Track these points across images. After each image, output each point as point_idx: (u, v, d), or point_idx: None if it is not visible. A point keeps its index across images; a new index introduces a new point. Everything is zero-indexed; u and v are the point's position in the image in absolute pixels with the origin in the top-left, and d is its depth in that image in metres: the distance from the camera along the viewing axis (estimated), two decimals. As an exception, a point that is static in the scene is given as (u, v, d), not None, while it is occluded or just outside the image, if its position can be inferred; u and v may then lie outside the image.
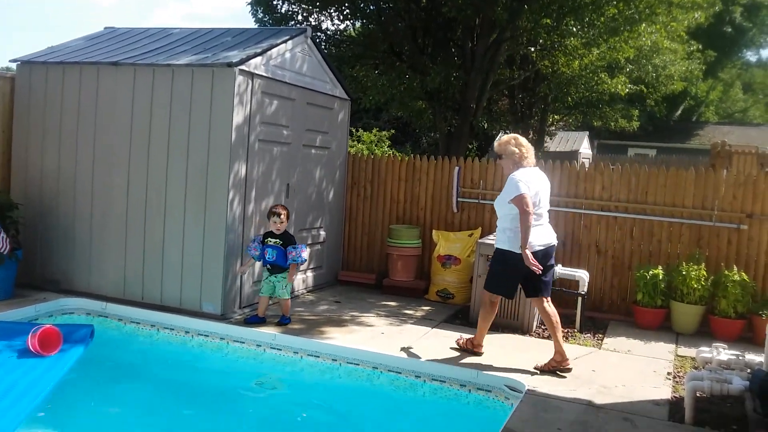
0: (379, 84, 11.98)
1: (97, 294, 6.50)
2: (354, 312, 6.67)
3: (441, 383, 4.96)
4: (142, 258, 6.45)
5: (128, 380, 5.30)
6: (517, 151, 5.27)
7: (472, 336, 5.65)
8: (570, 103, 18.02)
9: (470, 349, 5.58)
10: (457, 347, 5.66)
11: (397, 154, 14.68)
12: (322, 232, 7.75)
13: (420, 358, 5.37)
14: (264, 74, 6.39)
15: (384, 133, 15.73)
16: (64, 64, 6.63)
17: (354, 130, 15.44)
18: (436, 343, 5.82)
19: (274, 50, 6.53)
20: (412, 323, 6.41)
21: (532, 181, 5.20)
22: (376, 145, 15.42)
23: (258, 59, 6.28)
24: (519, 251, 5.09)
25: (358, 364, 5.22)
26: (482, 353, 5.54)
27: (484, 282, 5.54)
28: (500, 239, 5.33)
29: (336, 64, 10.35)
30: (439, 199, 8.00)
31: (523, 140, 5.37)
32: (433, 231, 7.73)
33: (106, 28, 7.75)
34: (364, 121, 18.71)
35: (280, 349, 5.50)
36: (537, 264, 5.04)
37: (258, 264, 6.50)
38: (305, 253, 6.18)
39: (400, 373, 5.09)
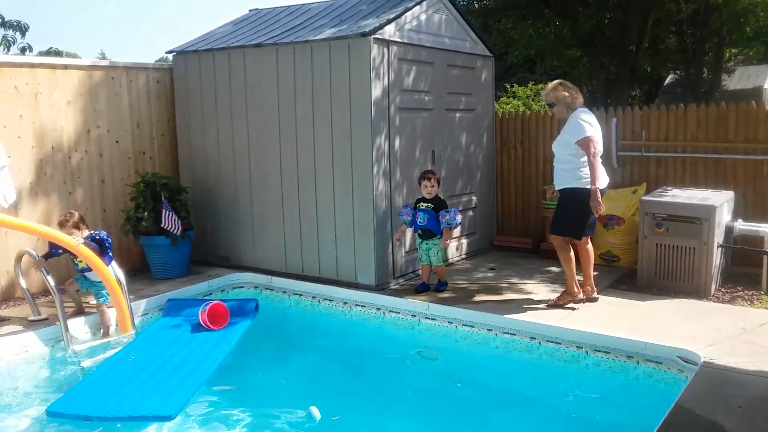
0: (527, 35, 11.38)
1: (263, 268, 6.82)
2: (511, 279, 6.44)
3: (605, 355, 4.64)
4: (299, 232, 6.65)
5: (294, 349, 5.53)
6: (567, 94, 5.40)
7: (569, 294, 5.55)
8: (749, 33, 16.05)
9: (568, 301, 5.51)
10: (556, 305, 5.52)
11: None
12: (474, 198, 7.53)
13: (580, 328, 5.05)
14: (400, 40, 6.24)
15: (540, 86, 15.03)
16: (213, 50, 6.92)
17: (509, 86, 14.92)
18: (599, 310, 5.45)
19: (408, 14, 6.34)
20: (572, 289, 6.06)
21: (593, 122, 5.35)
22: (532, 100, 14.81)
23: (392, 26, 6.14)
24: (589, 188, 5.20)
25: (514, 335, 5.04)
26: (581, 297, 5.53)
27: (553, 226, 5.57)
28: (565, 179, 5.41)
29: (480, 19, 9.96)
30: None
31: (568, 83, 5.51)
32: (594, 190, 7.22)
33: (250, 10, 7.99)
34: (519, 76, 17.99)
35: (435, 319, 5.45)
36: (601, 203, 5.19)
37: (410, 236, 6.47)
38: (459, 217, 6.03)
39: (559, 344, 4.83)
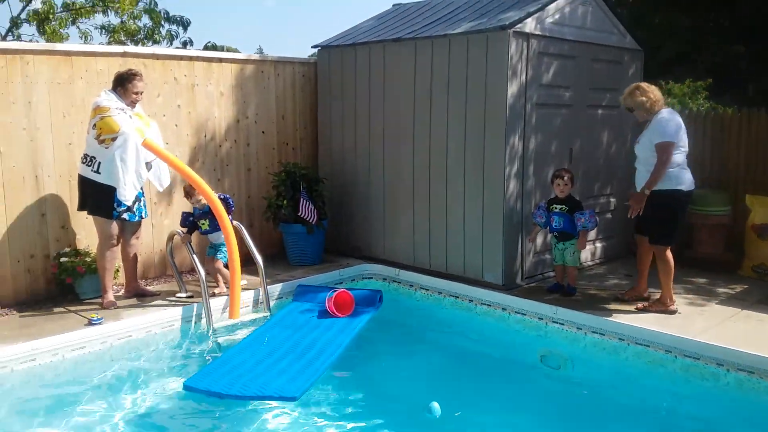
0: (680, 28, 10.61)
1: (392, 261, 6.93)
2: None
3: (749, 374, 4.28)
4: (428, 227, 6.69)
5: (417, 343, 5.59)
6: (644, 99, 5.26)
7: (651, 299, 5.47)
8: None
9: (661, 310, 5.33)
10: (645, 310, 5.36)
11: (716, 107, 12.99)
12: (612, 200, 7.19)
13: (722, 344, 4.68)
14: (540, 33, 6.07)
15: (699, 83, 13.98)
16: (355, 45, 7.10)
17: (664, 83, 14.03)
18: (746, 327, 5.03)
19: (551, 6, 6.15)
20: (717, 303, 5.63)
21: (678, 123, 5.22)
22: (689, 98, 13.83)
23: (533, 19, 5.98)
24: (679, 189, 5.16)
25: (648, 346, 4.77)
26: (673, 309, 5.34)
27: (653, 236, 5.34)
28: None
29: (631, 10, 9.41)
30: (754, 159, 6.85)
31: (645, 85, 5.35)
32: (747, 196, 6.65)
33: (394, 5, 8.10)
34: (675, 72, 16.80)
35: (563, 324, 5.28)
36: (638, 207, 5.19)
37: (540, 238, 6.31)
38: (594, 219, 5.79)
39: (698, 359, 4.52)
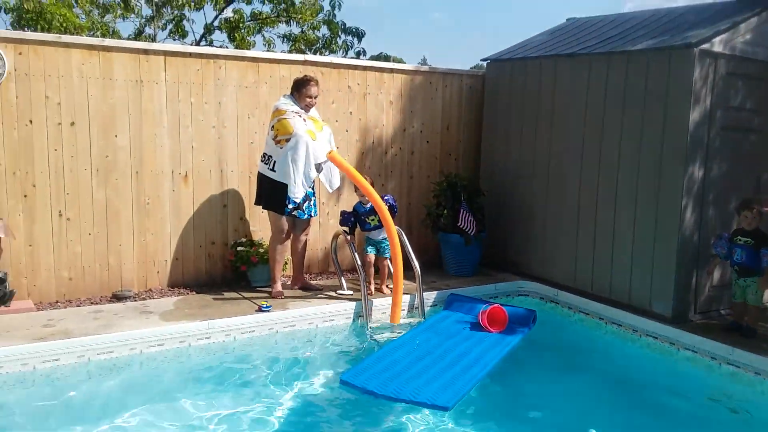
0: None
1: (550, 280, 6.75)
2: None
3: None
4: (592, 249, 6.45)
5: (572, 368, 5.39)
6: None
7: None
8: None
9: None
10: None
11: None
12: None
13: None
14: (729, 53, 5.65)
15: None
16: (525, 59, 7.03)
17: None
18: None
19: (743, 25, 5.70)
20: None
21: None
22: None
23: (722, 37, 5.58)
24: None
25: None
26: None
27: None
28: None
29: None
30: None
31: None
32: None
33: (568, 19, 7.93)
34: None
35: (739, 367, 4.86)
36: None
37: (718, 271, 5.85)
38: None
39: None
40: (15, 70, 5.27)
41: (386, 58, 13.32)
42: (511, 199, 7.27)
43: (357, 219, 6.24)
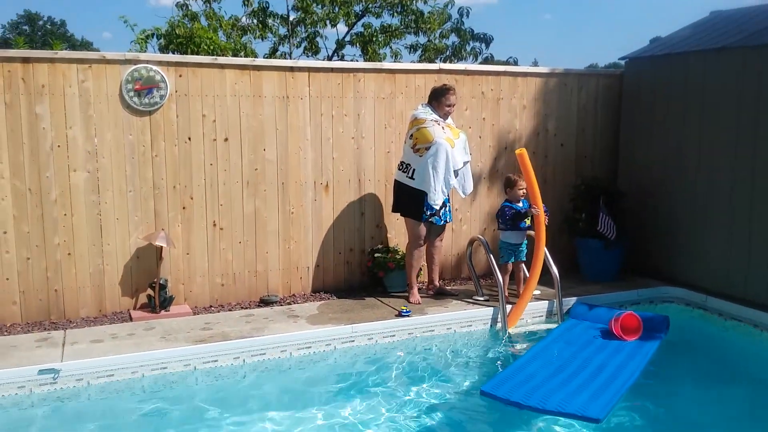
0: None
1: (697, 285, 6.41)
2: None
3: None
4: (747, 252, 6.05)
5: (724, 380, 5.11)
6: None
7: None
8: None
9: None
10: None
11: None
12: None
13: None
14: None
15: None
16: (669, 55, 6.73)
17: None
18: None
19: None
20: None
21: None
22: None
23: None
24: None
25: None
26: None
27: None
28: None
29: None
30: None
31: None
32: None
33: (711, 12, 7.51)
34: None
35: None
36: None
37: None
38: None
39: None
40: (176, 92, 5.75)
41: (515, 63, 13.20)
42: (654, 201, 6.97)
43: (513, 216, 6.19)
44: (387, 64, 6.77)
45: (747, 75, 5.96)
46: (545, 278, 6.03)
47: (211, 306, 6.03)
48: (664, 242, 6.87)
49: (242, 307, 5.99)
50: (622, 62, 7.42)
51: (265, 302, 6.09)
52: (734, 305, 5.87)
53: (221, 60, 5.97)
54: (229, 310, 5.92)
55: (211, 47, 9.82)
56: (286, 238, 6.28)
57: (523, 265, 6.25)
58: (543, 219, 5.91)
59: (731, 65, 6.10)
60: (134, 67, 5.53)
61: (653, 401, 4.67)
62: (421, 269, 6.36)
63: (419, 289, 6.21)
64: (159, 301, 5.64)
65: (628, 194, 7.06)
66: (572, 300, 6.09)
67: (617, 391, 4.43)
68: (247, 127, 6.01)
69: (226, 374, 4.86)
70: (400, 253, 6.37)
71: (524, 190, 6.11)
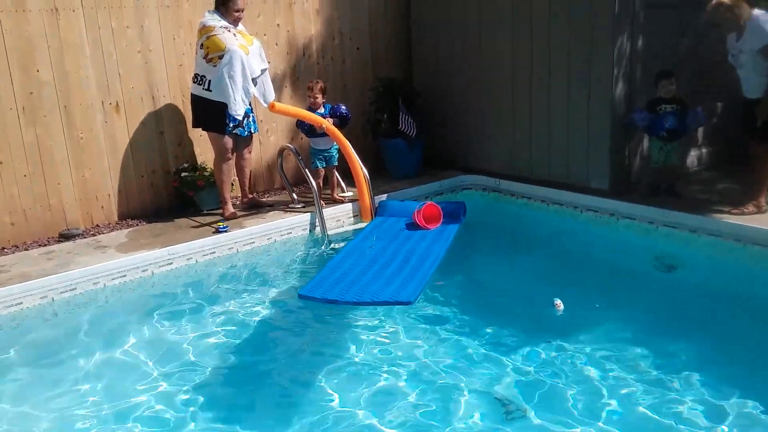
0: None
1: (491, 171, 6.95)
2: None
3: None
4: (528, 135, 6.64)
5: (521, 251, 5.70)
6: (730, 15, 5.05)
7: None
8: None
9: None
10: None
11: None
12: (719, 104, 6.92)
13: None
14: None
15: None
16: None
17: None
18: None
19: None
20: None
21: None
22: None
23: None
24: None
25: (766, 246, 4.71)
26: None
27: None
28: None
29: None
30: None
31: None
32: None
33: None
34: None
35: (675, 227, 5.25)
36: None
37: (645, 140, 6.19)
38: (705, 115, 5.81)
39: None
40: None
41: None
42: (447, 96, 7.33)
43: (309, 129, 6.23)
44: (166, -32, 6.26)
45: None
46: (353, 180, 6.17)
47: (3, 248, 5.42)
48: (459, 135, 7.31)
49: (40, 245, 5.47)
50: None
51: (65, 237, 5.60)
52: (522, 185, 6.47)
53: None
54: (26, 249, 5.37)
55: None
56: (78, 165, 5.75)
57: (335, 170, 6.36)
58: (333, 129, 6.07)
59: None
60: None
61: (465, 276, 5.12)
62: (233, 184, 6.21)
63: (233, 204, 6.08)
64: (-65, 251, 4.96)
65: (423, 93, 7.37)
66: (384, 197, 6.34)
67: (424, 275, 4.62)
68: (12, 46, 5.29)
69: (33, 316, 4.46)
70: (208, 170, 6.14)
71: (320, 98, 6.23)
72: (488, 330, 4.17)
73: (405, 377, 3.70)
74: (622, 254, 5.38)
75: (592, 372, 3.63)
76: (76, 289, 4.66)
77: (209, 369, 3.86)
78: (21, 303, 4.46)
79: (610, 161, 6.04)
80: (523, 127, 6.69)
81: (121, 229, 5.79)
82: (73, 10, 5.53)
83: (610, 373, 3.61)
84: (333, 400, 3.51)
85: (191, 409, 3.48)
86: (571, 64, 6.13)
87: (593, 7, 5.85)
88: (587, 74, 6.02)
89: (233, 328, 4.34)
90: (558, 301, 4.37)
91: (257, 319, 4.47)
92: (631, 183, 6.17)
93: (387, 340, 4.18)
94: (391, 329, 4.30)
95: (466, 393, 3.51)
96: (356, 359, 3.94)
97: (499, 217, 6.46)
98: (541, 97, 6.47)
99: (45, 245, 5.46)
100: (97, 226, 5.88)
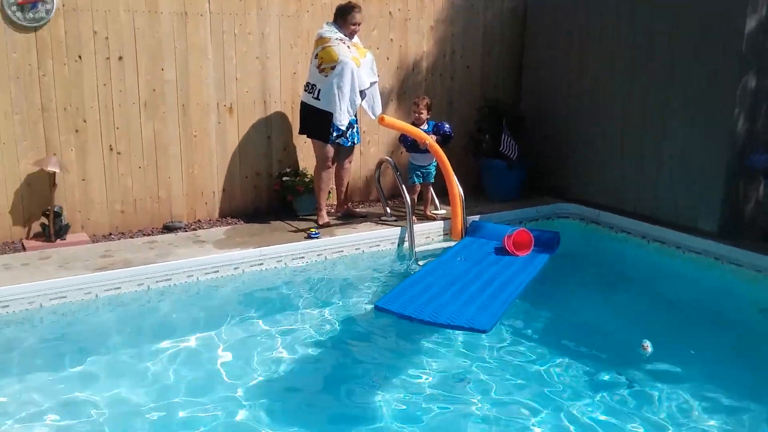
0: None
1: (591, 201, 6.74)
2: None
3: None
4: (636, 169, 6.40)
5: (616, 288, 5.47)
6: None
7: None
8: None
9: None
10: None
11: None
12: None
13: None
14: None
15: None
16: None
17: None
18: None
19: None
20: None
21: None
22: None
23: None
24: None
25: None
26: None
27: None
28: None
29: None
30: None
31: None
32: None
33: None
34: None
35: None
36: None
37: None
38: None
39: None
40: (63, 6, 5.33)
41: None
42: (555, 124, 7.19)
43: (411, 144, 6.26)
44: (290, -20, 6.52)
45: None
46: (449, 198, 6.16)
47: (111, 234, 5.82)
48: (562, 162, 7.13)
49: (145, 234, 5.82)
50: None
51: (169, 229, 5.94)
52: (624, 218, 6.23)
53: (109, -29, 5.57)
54: (131, 237, 5.74)
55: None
56: (189, 162, 6.09)
57: (431, 187, 6.38)
58: (436, 146, 6.06)
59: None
60: (14, -23, 5.08)
61: (547, 308, 4.96)
62: (330, 192, 6.35)
63: (328, 212, 6.22)
64: (54, 230, 5.39)
65: (529, 116, 7.25)
66: (477, 218, 6.28)
67: (504, 303, 4.55)
68: (143, 45, 5.69)
69: (129, 301, 4.75)
70: (308, 176, 6.33)
71: (425, 114, 6.25)
72: (568, 366, 4.04)
73: (473, 407, 3.63)
74: (724, 302, 5.05)
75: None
76: (171, 279, 4.92)
77: (284, 366, 3.97)
78: (119, 288, 4.76)
79: (722, 202, 5.68)
80: (632, 159, 6.43)
81: (220, 226, 6.06)
82: (201, 15, 5.87)
83: None
84: (394, 422, 3.49)
85: (258, 401, 3.58)
86: (690, 99, 5.84)
87: (719, 39, 5.55)
88: (706, 110, 5.71)
89: (312, 332, 4.43)
90: (647, 343, 4.18)
91: (335, 327, 4.54)
92: (742, 227, 5.77)
93: (462, 363, 4.14)
94: (466, 353, 4.24)
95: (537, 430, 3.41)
96: (425, 381, 3.90)
97: (595, 251, 6.24)
98: (654, 130, 6.20)
99: (149, 234, 5.81)
100: (199, 221, 6.19)
